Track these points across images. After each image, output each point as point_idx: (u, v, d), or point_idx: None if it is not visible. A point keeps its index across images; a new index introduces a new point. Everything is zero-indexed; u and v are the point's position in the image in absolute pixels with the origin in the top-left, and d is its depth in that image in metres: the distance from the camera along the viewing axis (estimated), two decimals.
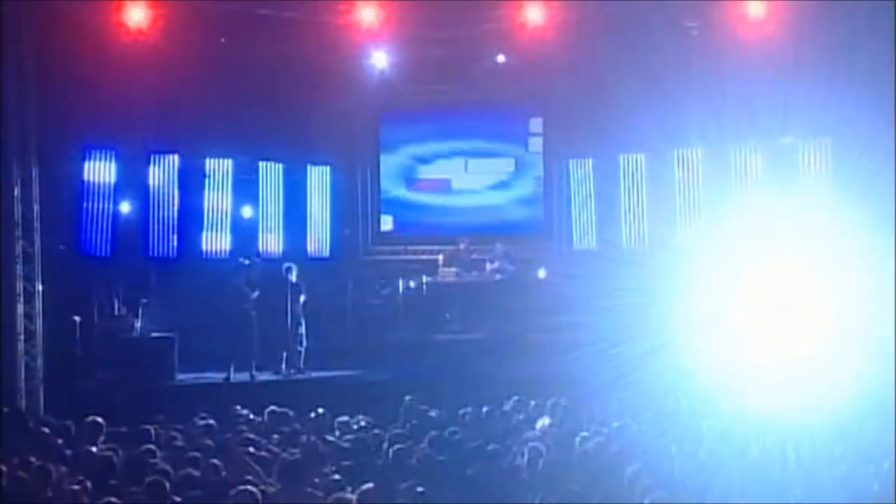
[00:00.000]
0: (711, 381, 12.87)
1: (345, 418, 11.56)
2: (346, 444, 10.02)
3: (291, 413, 11.66)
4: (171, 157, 17.59)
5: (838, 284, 14.37)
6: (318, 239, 19.35)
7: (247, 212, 18.17)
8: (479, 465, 8.85)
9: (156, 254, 17.41)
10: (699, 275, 16.23)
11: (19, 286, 13.84)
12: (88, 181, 16.43)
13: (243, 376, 15.47)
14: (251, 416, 11.88)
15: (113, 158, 16.67)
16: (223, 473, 8.78)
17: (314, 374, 15.87)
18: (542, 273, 18.43)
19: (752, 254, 15.44)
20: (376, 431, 10.74)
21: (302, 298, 15.95)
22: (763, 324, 14.68)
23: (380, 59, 17.56)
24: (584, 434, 10.00)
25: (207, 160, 18.01)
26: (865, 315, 14.12)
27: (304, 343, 15.98)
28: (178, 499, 8.00)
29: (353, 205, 19.70)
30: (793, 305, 14.67)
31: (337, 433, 10.97)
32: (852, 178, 15.42)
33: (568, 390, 12.76)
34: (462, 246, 18.54)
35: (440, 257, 18.41)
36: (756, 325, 14.69)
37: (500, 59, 17.89)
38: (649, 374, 13.98)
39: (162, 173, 17.48)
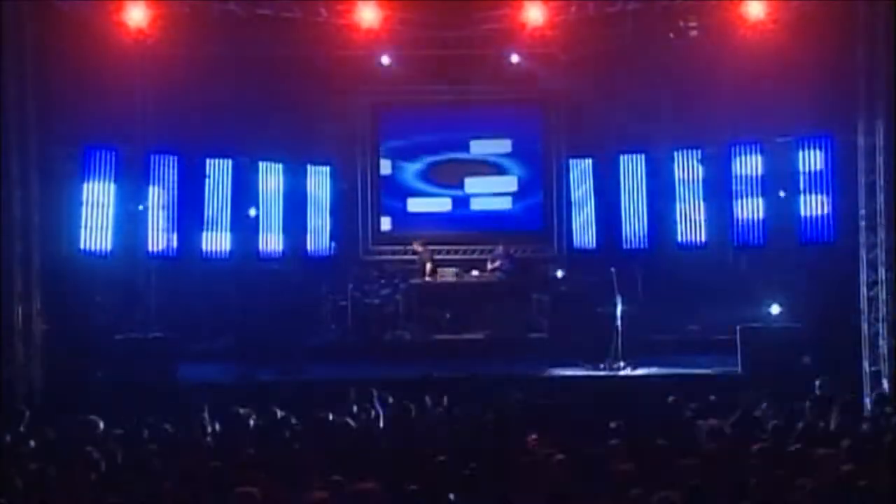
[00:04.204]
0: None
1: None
2: (345, 445, 10.00)
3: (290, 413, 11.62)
4: (170, 157, 17.60)
5: None
6: (318, 239, 19.35)
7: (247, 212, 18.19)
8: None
9: (156, 253, 17.40)
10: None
11: (19, 286, 13.83)
12: (88, 181, 16.41)
13: (244, 376, 15.44)
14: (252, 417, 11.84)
15: (113, 158, 16.66)
16: (223, 473, 8.77)
17: (314, 374, 15.84)
18: (540, 273, 18.46)
19: None
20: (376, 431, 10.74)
21: None
22: None
23: (380, 59, 17.59)
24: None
25: (207, 160, 18.04)
26: None
27: None
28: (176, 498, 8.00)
29: (353, 205, 19.70)
30: None
31: (336, 433, 10.94)
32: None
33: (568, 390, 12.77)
34: (418, 247, 18.52)
35: (427, 266, 18.40)
36: None
37: (504, 58, 17.88)
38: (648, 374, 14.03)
39: (162, 173, 17.48)
